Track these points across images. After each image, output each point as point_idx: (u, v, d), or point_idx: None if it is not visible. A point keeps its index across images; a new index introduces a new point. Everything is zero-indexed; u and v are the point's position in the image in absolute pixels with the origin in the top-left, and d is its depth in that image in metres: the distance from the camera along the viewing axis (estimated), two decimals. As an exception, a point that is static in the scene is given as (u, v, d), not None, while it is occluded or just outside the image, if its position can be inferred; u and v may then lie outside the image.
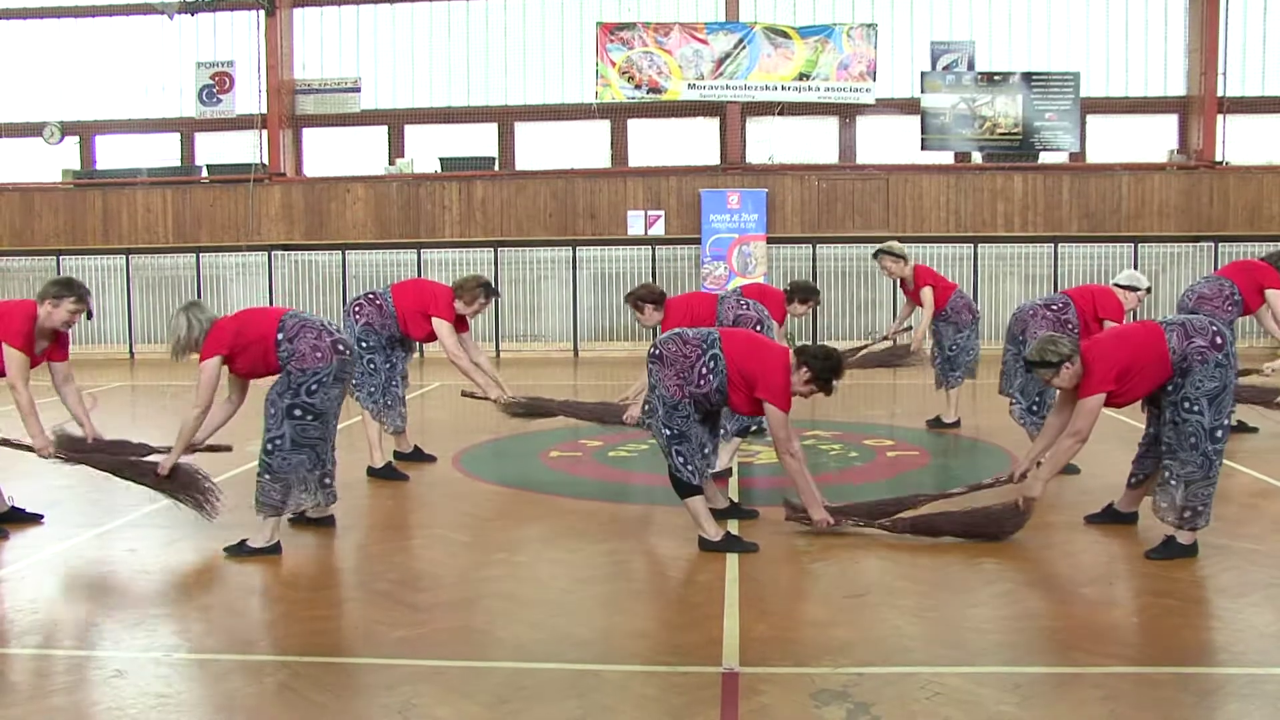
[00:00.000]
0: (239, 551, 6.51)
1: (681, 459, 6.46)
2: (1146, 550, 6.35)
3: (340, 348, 6.57)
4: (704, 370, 6.42)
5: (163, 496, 7.04)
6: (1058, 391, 6.69)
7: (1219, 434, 6.17)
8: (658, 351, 6.53)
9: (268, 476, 6.47)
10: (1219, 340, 6.19)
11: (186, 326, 6.50)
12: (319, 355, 6.45)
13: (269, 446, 6.46)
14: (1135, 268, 18.73)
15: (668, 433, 6.48)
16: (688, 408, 6.45)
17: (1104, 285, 9.26)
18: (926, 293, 10.70)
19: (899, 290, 11.38)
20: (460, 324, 8.76)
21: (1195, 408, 6.14)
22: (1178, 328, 6.23)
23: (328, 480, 6.73)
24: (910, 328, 11.13)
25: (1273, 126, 20.30)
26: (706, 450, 6.77)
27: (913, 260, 10.91)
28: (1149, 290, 9.22)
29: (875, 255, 11.05)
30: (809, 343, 6.59)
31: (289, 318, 6.58)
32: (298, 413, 6.44)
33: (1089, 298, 8.80)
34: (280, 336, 6.48)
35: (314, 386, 6.44)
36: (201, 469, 6.97)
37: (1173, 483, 6.24)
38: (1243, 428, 10.13)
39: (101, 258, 20.50)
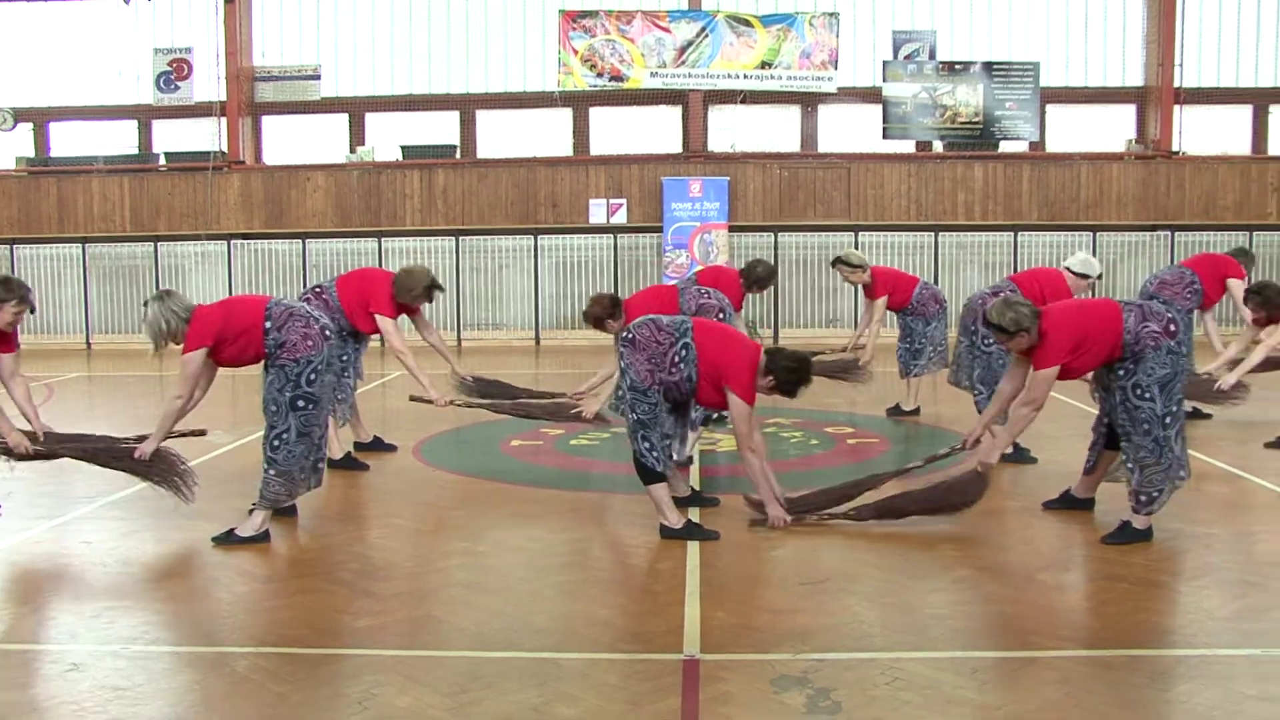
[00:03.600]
0: (227, 540, 6.50)
1: (647, 444, 6.47)
2: (1102, 535, 6.42)
3: (328, 334, 6.58)
4: (675, 358, 6.42)
5: (127, 484, 6.99)
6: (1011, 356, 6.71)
7: (1169, 420, 6.24)
8: (630, 336, 6.53)
9: (273, 472, 6.46)
10: (1172, 328, 6.25)
11: (164, 320, 6.40)
12: (310, 343, 6.43)
13: (275, 443, 6.44)
14: (1094, 256, 18.88)
15: (634, 417, 6.49)
16: (656, 394, 6.46)
17: (1053, 268, 9.28)
18: (879, 305, 10.72)
19: (860, 293, 11.35)
20: (410, 309, 8.66)
21: (1147, 394, 6.21)
22: (1136, 310, 6.29)
23: (319, 464, 6.74)
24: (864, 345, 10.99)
25: (1228, 117, 20.53)
26: (671, 440, 6.80)
27: (869, 266, 10.88)
28: (1100, 277, 9.25)
29: (833, 264, 11.02)
30: (779, 346, 6.62)
31: (274, 305, 6.53)
32: (301, 403, 6.43)
33: (1036, 282, 8.83)
34: (268, 325, 6.44)
35: (312, 376, 6.44)
36: (177, 452, 6.91)
37: (1129, 465, 6.33)
38: (1197, 414, 10.24)
39: (57, 246, 20.30)
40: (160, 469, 6.80)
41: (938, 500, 6.68)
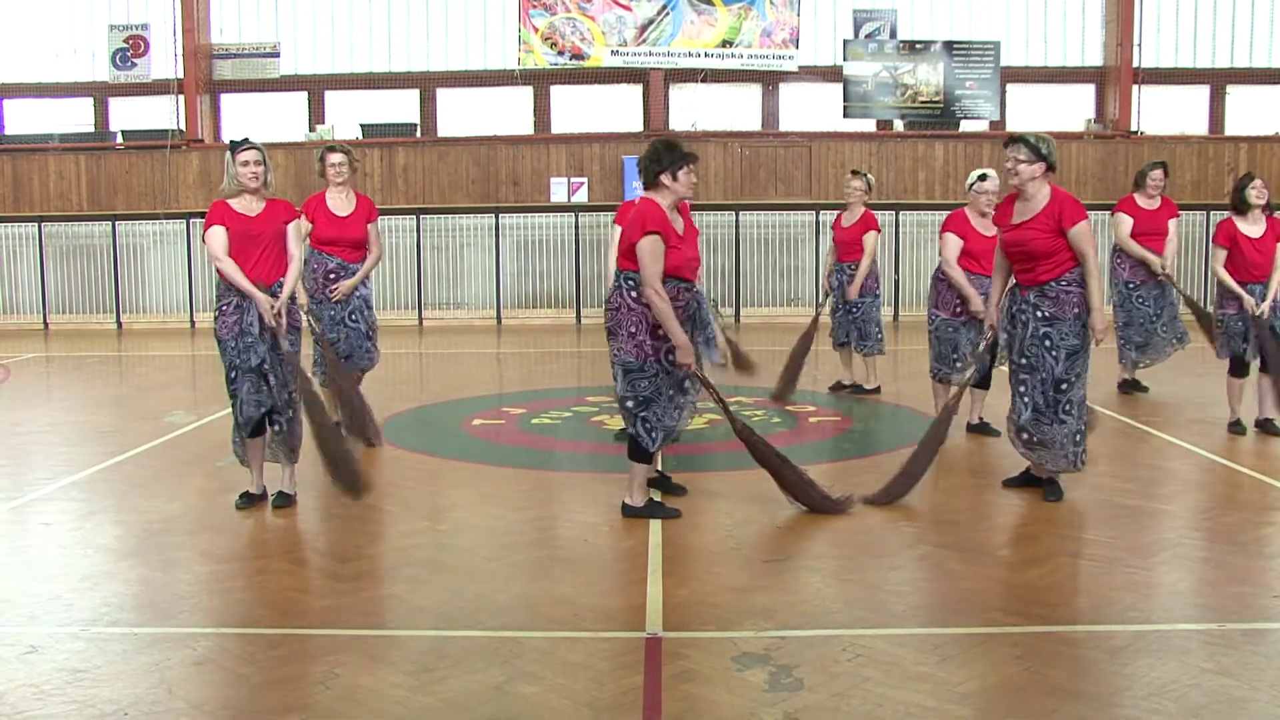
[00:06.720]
0: (241, 504, 6.80)
1: (646, 425, 6.36)
2: (1003, 478, 6.56)
3: (250, 331, 6.63)
4: (632, 300, 6.29)
5: (87, 465, 6.92)
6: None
7: (1064, 387, 6.51)
8: (608, 328, 6.44)
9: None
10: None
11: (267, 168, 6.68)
12: (224, 329, 6.63)
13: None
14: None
15: (631, 403, 6.36)
16: (653, 366, 6.31)
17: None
18: (870, 239, 10.38)
19: (820, 258, 11.30)
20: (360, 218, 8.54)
21: (1054, 352, 6.51)
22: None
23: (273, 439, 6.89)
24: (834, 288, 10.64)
25: (1185, 97, 20.68)
26: (680, 413, 6.60)
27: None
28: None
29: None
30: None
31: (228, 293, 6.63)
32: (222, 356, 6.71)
33: None
34: (221, 305, 6.63)
35: (235, 355, 6.61)
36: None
37: (1024, 400, 6.62)
38: (1136, 386, 10.34)
39: (12, 226, 20.03)
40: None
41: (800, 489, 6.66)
